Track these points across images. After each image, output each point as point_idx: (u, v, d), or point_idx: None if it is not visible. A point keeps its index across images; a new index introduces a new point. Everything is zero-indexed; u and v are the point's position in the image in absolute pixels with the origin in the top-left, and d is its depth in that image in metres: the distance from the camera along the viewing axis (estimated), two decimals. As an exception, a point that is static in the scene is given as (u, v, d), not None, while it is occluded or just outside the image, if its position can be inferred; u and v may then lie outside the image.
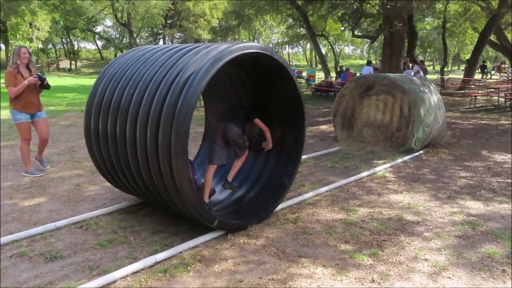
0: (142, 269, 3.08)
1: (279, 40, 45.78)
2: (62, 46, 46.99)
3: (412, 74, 12.71)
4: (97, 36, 46.39)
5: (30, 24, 26.17)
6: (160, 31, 42.73)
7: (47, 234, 3.68)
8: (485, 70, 29.67)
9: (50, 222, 3.92)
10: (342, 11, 16.25)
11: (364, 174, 5.70)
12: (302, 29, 27.57)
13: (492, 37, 20.57)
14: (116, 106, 3.59)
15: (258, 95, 4.68)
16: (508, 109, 12.80)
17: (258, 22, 35.59)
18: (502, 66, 29.29)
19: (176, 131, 3.10)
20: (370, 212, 4.32)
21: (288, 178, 4.39)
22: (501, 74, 28.19)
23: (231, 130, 4.06)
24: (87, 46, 55.42)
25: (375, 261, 3.27)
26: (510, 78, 22.81)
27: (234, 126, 4.09)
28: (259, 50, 3.72)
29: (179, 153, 3.13)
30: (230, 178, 4.24)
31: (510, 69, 26.78)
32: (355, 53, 67.68)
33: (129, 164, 3.53)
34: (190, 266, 3.16)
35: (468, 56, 26.95)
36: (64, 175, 5.54)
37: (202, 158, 5.07)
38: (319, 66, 32.57)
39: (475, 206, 4.53)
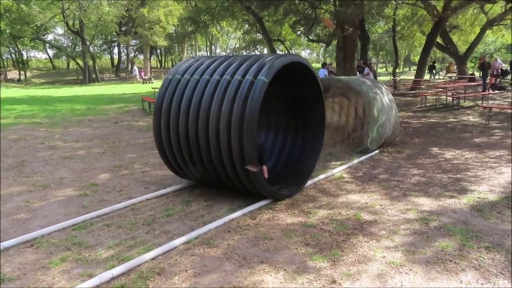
0: (97, 286, 2.96)
1: (237, 46, 45.87)
2: (9, 56, 44.60)
3: (361, 75, 13.16)
4: (47, 44, 44.55)
5: (-27, 34, 24.73)
6: (115, 39, 41.65)
7: (-6, 256, 3.47)
8: (434, 71, 31.08)
9: (-3, 242, 3.69)
10: (296, 19, 16.48)
11: (322, 176, 5.79)
12: (258, 34, 27.76)
13: (439, 39, 21.62)
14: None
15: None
16: (455, 107, 13.46)
17: (214, 28, 35.44)
18: (451, 66, 30.77)
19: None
20: (329, 214, 4.38)
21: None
22: (449, 74, 29.65)
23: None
24: (37, 56, 52.90)
25: (335, 261, 3.31)
26: (456, 77, 24.02)
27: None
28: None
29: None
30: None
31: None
32: (312, 57, 68.88)
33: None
34: (149, 279, 3.07)
35: (417, 58, 28.14)
36: (12, 192, 5.25)
37: None
38: (277, 71, 32.72)
39: (428, 202, 4.70)
